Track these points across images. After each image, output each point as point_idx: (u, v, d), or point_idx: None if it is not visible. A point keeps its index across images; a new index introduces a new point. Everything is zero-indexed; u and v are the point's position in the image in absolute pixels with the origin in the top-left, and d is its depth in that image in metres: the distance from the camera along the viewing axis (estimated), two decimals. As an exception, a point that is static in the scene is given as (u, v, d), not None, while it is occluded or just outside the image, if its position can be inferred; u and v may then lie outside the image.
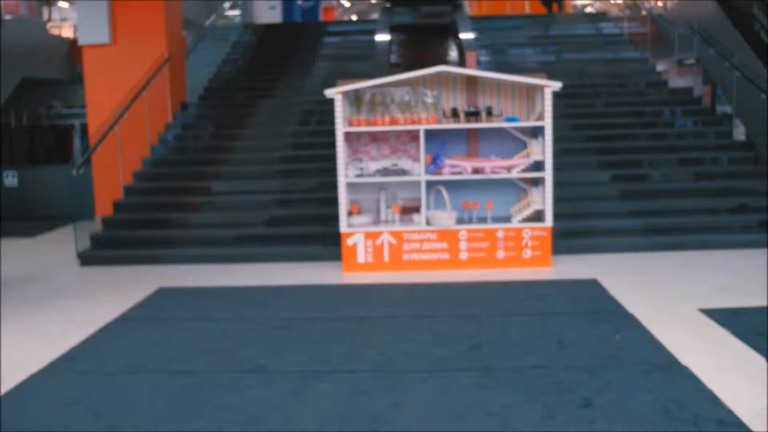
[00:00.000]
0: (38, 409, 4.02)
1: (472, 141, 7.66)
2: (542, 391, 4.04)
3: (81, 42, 10.57)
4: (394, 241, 7.26)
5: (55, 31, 17.10)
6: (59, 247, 9.18)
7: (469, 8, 23.00)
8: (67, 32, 18.03)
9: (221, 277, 7.32)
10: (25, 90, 13.61)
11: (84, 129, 12.54)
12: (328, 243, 7.96)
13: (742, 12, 10.98)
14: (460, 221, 7.37)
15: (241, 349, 4.98)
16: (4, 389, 4.31)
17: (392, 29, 15.00)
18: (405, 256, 7.28)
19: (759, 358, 4.45)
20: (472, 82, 7.63)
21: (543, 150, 7.11)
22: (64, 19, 19.49)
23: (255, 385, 4.28)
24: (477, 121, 7.31)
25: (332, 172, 7.86)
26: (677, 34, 12.03)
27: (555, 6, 18.25)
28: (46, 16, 17.38)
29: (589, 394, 3.97)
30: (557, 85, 7.09)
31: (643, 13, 14.71)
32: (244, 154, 10.03)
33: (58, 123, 14.97)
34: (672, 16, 13.43)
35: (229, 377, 4.42)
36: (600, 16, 17.12)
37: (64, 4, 19.30)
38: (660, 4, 15.80)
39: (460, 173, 7.27)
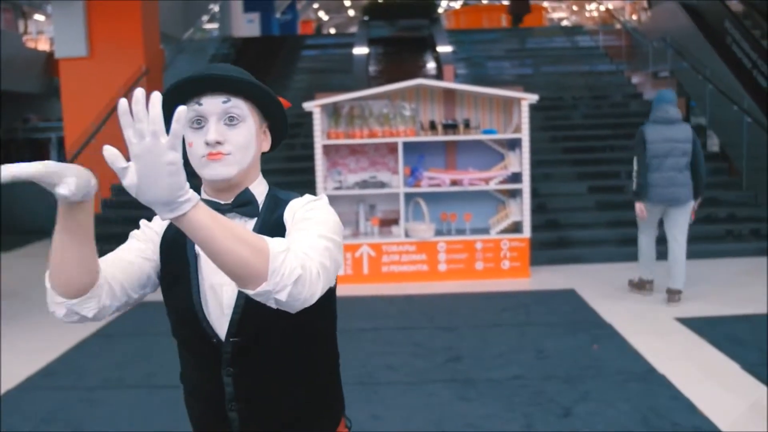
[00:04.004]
0: (15, 424, 3.97)
1: (450, 153, 7.71)
2: (522, 401, 4.07)
3: (58, 55, 10.52)
4: (373, 254, 7.27)
5: (31, 44, 16.99)
6: (36, 261, 9.06)
7: (446, 22, 23.19)
8: (43, 45, 17.92)
9: (200, 290, 7.27)
10: (0, 103, 13.49)
11: (61, 143, 12.45)
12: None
13: (714, 26, 11.19)
14: (438, 233, 7.40)
15: (221, 363, 4.95)
16: (-20, 406, 4.26)
17: (370, 43, 15.08)
18: (384, 268, 7.29)
19: (735, 366, 4.52)
20: (449, 95, 7.68)
21: (520, 162, 7.18)
22: (40, 32, 19.38)
23: (235, 398, 4.25)
24: (455, 133, 7.36)
25: (311, 185, 7.87)
26: (651, 47, 12.22)
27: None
28: (22, 29, 17.26)
29: (568, 403, 4.00)
30: (534, 97, 7.16)
31: (618, 26, 14.94)
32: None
33: (35, 137, 14.83)
34: (646, 29, 13.64)
35: (209, 391, 4.39)
36: (576, 30, 17.35)
37: (41, 17, 19.19)
38: (634, 17, 16.03)
39: (438, 185, 7.31)
